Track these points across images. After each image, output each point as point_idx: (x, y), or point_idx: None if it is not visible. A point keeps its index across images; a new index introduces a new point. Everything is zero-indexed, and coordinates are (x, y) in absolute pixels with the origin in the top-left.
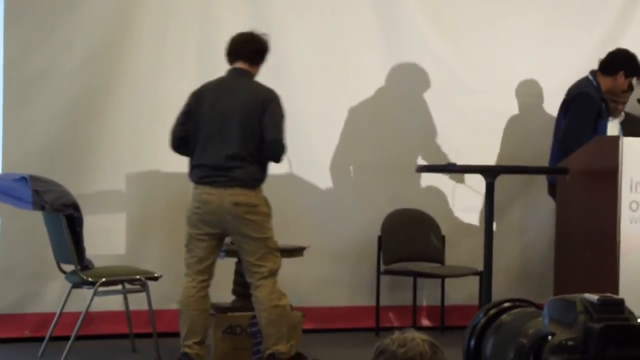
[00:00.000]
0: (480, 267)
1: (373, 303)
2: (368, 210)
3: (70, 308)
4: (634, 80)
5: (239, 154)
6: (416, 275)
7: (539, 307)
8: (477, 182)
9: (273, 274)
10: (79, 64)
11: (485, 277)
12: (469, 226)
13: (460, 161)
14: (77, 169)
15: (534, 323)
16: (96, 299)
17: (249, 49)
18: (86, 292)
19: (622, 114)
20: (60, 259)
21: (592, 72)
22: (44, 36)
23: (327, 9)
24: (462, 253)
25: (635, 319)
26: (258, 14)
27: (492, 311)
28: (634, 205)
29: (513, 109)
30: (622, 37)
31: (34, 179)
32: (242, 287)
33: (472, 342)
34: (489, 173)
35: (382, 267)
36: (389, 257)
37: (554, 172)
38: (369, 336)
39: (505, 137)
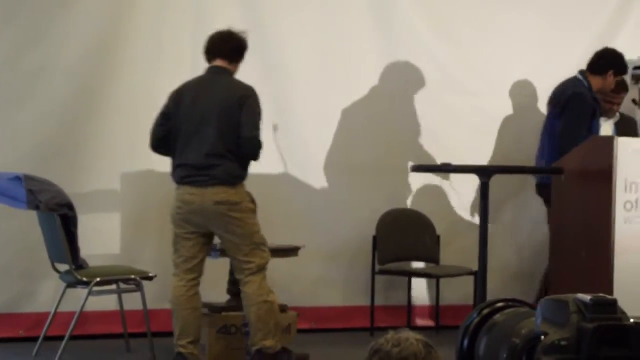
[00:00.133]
0: (474, 266)
1: (368, 303)
2: (363, 210)
3: (65, 307)
4: (629, 81)
5: (218, 152)
6: (411, 275)
7: (532, 307)
8: (472, 182)
9: (261, 269)
10: (73, 63)
11: (480, 276)
12: (464, 226)
13: (455, 161)
14: (71, 168)
15: (527, 323)
16: (90, 298)
17: (227, 46)
18: (80, 292)
19: (617, 114)
20: (54, 258)
21: (581, 72)
22: (38, 36)
23: (322, 9)
24: (456, 253)
25: (628, 319)
26: (252, 13)
27: (485, 311)
28: (628, 205)
29: (507, 109)
30: (617, 37)
31: (29, 178)
32: (236, 287)
33: (466, 342)
34: (484, 173)
35: (377, 267)
36: (383, 257)
37: (548, 172)
38: (363, 336)
39: (500, 138)
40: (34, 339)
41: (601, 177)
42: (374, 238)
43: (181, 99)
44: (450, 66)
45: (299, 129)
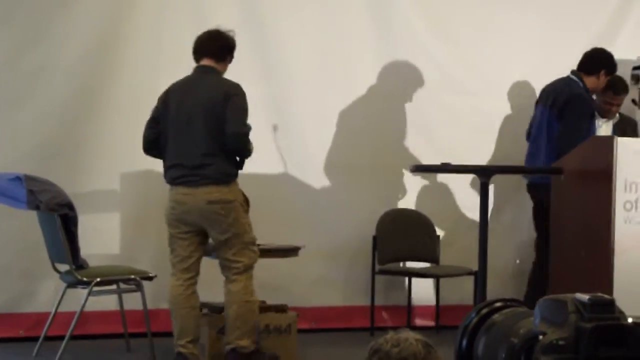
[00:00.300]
0: (474, 267)
1: (368, 303)
2: (363, 210)
3: (65, 308)
4: (629, 82)
5: (208, 151)
6: (411, 275)
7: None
8: (472, 182)
9: (248, 269)
10: (73, 63)
11: (480, 277)
12: (464, 226)
13: (454, 161)
14: (71, 168)
15: (526, 323)
16: (91, 298)
17: (214, 45)
18: (81, 292)
19: (617, 115)
20: (54, 258)
21: (575, 73)
22: (38, 36)
23: (322, 9)
24: (456, 253)
25: (626, 318)
26: (252, 13)
27: (484, 311)
28: (628, 205)
29: (507, 109)
30: (617, 37)
31: (29, 178)
32: None
33: (464, 342)
34: (484, 173)
35: (377, 267)
36: (383, 257)
37: (548, 172)
38: (363, 336)
39: (499, 138)
40: (34, 339)
41: (601, 177)
42: (374, 238)
43: (169, 100)
44: (449, 66)
45: (299, 129)
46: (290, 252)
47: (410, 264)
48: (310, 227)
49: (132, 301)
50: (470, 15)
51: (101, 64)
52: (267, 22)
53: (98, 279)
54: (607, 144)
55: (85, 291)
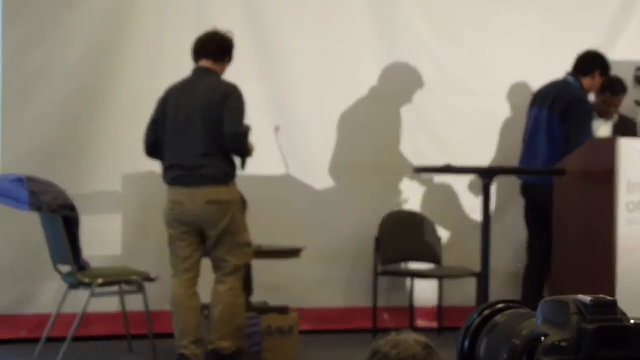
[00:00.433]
0: (477, 268)
1: (370, 304)
2: (365, 211)
3: (67, 309)
4: (632, 83)
5: (206, 152)
6: (413, 276)
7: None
8: (474, 183)
9: (238, 270)
10: (76, 64)
11: (483, 278)
12: (466, 227)
13: (456, 162)
14: (73, 169)
15: (528, 324)
16: (93, 300)
17: (212, 46)
18: (83, 293)
19: (616, 116)
20: (56, 260)
21: (572, 75)
22: (41, 36)
23: (323, 9)
24: (459, 254)
25: (628, 320)
26: (254, 14)
27: (486, 312)
28: (631, 206)
29: (508, 109)
30: (619, 38)
31: (31, 180)
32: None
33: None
34: (487, 174)
35: (379, 268)
36: (386, 258)
37: (551, 174)
38: (366, 337)
39: (501, 138)
40: (36, 341)
41: (604, 178)
42: (377, 239)
43: (167, 102)
44: (450, 66)
45: (301, 129)
46: (292, 253)
47: (412, 266)
48: (312, 228)
49: (134, 303)
50: (471, 15)
51: (103, 64)
52: (269, 22)
53: (100, 281)
54: (609, 145)
55: (87, 293)
